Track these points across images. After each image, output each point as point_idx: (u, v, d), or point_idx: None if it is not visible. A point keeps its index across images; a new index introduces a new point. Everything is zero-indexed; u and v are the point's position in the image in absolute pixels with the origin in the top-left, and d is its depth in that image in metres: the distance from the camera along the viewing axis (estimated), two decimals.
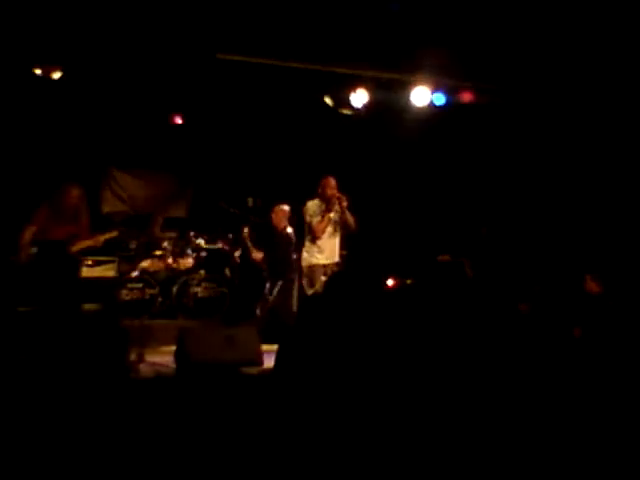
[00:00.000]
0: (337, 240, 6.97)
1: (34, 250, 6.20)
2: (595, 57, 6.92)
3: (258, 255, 7.67)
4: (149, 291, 8.04)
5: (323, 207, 6.85)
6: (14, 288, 6.11)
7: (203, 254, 8.77)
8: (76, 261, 6.50)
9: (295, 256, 7.28)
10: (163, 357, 6.42)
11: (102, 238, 6.64)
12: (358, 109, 8.09)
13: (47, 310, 5.84)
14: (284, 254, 7.36)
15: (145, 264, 8.32)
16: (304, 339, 3.61)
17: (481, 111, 8.22)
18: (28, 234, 6.21)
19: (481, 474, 2.47)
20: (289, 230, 7.50)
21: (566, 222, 8.07)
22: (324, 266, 6.76)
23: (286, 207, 7.50)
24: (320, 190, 6.90)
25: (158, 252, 8.46)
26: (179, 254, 8.60)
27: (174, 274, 8.46)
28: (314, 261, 6.83)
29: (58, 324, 5.54)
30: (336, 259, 6.94)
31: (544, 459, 2.58)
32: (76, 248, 6.42)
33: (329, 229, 6.88)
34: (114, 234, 6.83)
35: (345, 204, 6.79)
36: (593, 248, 7.53)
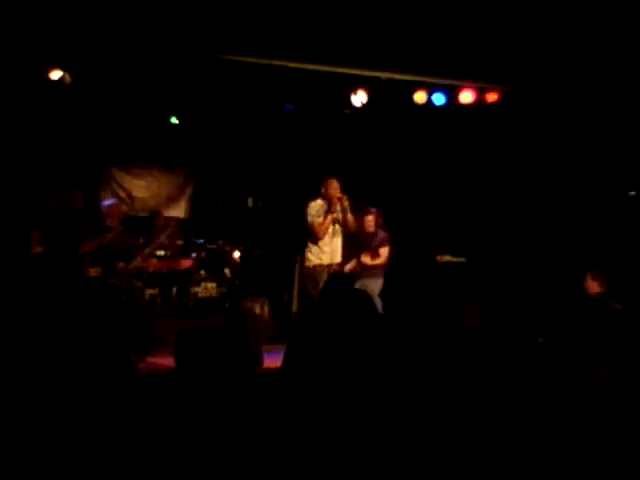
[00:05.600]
0: (339, 241, 6.98)
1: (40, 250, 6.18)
2: (597, 55, 6.92)
3: None
4: (149, 291, 8.04)
5: (325, 208, 6.85)
6: (20, 287, 6.08)
7: (203, 254, 8.77)
8: (82, 262, 6.46)
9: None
10: (163, 357, 6.42)
11: (112, 235, 6.65)
12: (358, 109, 8.08)
13: (48, 309, 5.81)
14: None
15: (145, 264, 8.30)
16: (307, 340, 3.61)
17: (481, 111, 8.21)
18: (37, 240, 6.15)
19: (481, 474, 2.46)
20: None
21: (566, 222, 8.07)
22: (327, 266, 6.77)
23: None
24: (323, 191, 6.90)
25: (158, 252, 8.45)
26: (179, 254, 8.60)
27: (174, 274, 8.45)
28: (317, 262, 6.84)
29: (61, 323, 5.52)
30: (338, 259, 6.95)
31: (543, 461, 2.58)
32: (87, 248, 6.40)
33: (331, 230, 6.88)
34: (122, 229, 6.84)
35: (346, 204, 6.79)
36: (594, 247, 7.53)
